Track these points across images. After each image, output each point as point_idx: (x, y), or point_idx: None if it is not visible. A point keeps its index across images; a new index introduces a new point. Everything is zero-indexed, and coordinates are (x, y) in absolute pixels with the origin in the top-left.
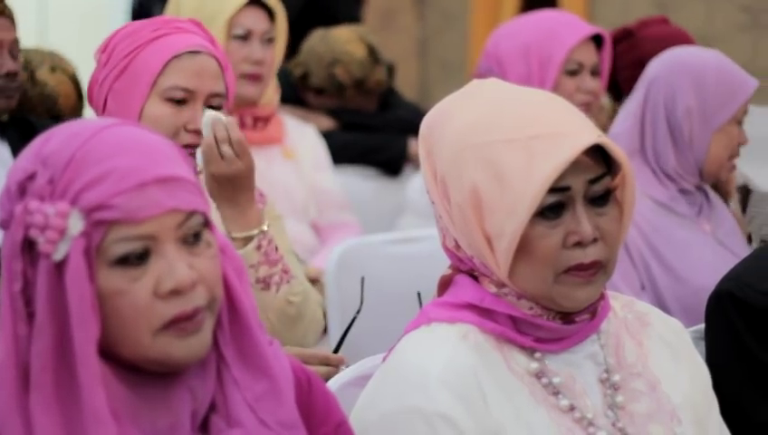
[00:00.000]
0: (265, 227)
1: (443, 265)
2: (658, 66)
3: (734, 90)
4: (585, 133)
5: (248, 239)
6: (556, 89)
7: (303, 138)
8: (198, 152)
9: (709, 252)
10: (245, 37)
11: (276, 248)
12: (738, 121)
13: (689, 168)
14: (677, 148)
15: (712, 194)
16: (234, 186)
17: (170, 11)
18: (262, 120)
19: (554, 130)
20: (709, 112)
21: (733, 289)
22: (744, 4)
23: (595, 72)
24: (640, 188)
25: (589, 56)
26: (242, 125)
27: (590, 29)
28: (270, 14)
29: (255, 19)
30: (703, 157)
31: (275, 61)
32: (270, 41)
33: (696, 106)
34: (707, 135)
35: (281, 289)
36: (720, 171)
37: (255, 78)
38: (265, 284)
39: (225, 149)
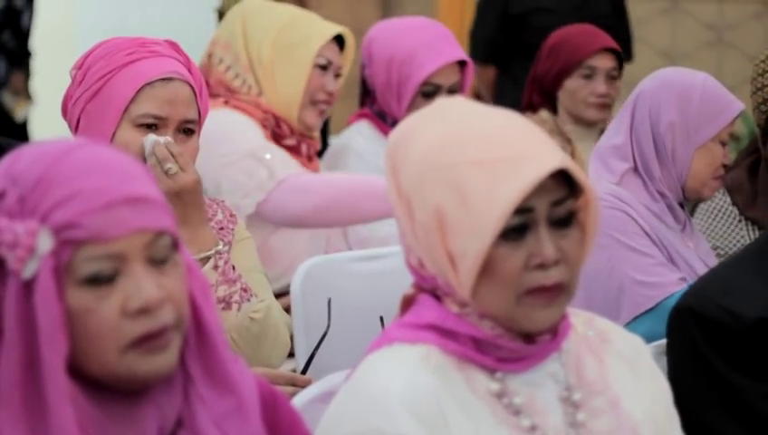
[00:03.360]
0: (221, 247)
1: (408, 282)
2: (647, 82)
3: (719, 109)
4: (549, 157)
5: (204, 260)
6: (411, 108)
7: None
8: None
9: (698, 266)
10: (325, 68)
11: (234, 268)
12: (722, 142)
13: (672, 183)
14: (661, 162)
15: (688, 212)
16: (183, 203)
17: (230, 36)
18: (311, 153)
19: (519, 152)
20: (692, 128)
21: (692, 304)
22: (709, 22)
23: (453, 91)
24: (635, 196)
25: (447, 78)
26: (298, 154)
27: (452, 55)
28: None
29: (334, 52)
30: (685, 172)
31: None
32: (338, 75)
33: (678, 121)
34: (689, 151)
35: (242, 307)
36: (703, 189)
37: (323, 110)
38: (226, 303)
39: (169, 165)
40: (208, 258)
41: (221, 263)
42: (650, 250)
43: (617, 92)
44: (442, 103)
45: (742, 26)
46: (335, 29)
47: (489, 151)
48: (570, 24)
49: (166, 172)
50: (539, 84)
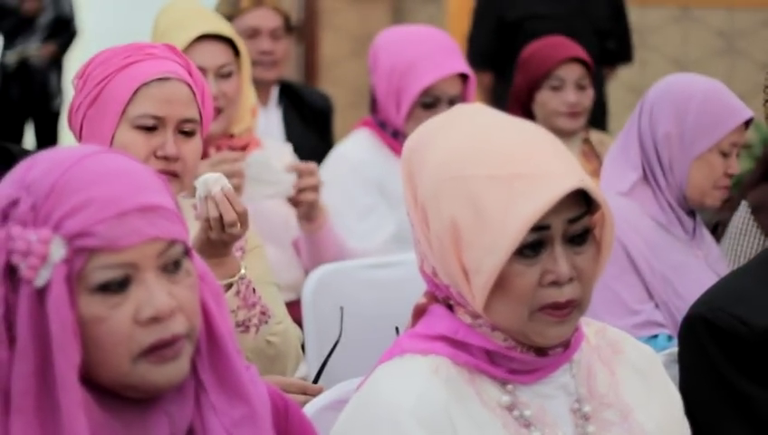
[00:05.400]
0: (243, 272)
1: (420, 290)
2: (652, 89)
3: (717, 121)
4: (568, 175)
5: (228, 286)
6: (410, 118)
7: (282, 157)
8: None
9: (705, 276)
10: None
11: (254, 290)
12: (722, 152)
13: (674, 193)
14: (663, 171)
15: (699, 219)
16: (227, 247)
17: (153, 33)
18: (239, 150)
19: (537, 170)
20: (687, 140)
21: (705, 313)
22: (720, 30)
23: (453, 103)
24: (642, 207)
25: (447, 89)
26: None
27: (452, 67)
28: (231, 45)
29: (208, 55)
30: (684, 183)
31: (241, 90)
32: (228, 74)
33: (674, 132)
34: (687, 162)
35: (260, 330)
36: (704, 199)
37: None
38: (245, 327)
39: (234, 229)
40: (231, 284)
41: (242, 287)
42: (625, 290)
43: (589, 100)
44: (461, 111)
45: (752, 34)
46: (195, 31)
47: (507, 166)
48: (566, 29)
49: (227, 230)
50: (517, 100)
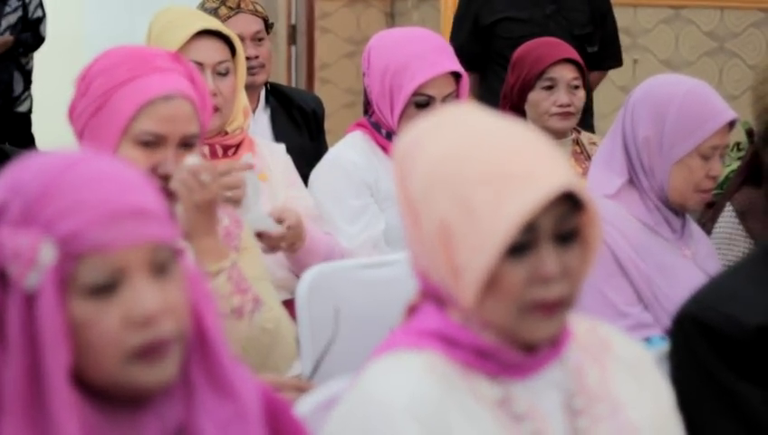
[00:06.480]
0: (235, 257)
1: (413, 290)
2: (636, 92)
3: (696, 125)
4: (556, 175)
5: (219, 271)
6: (404, 118)
7: (273, 156)
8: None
9: (693, 276)
10: None
11: (245, 278)
12: (702, 155)
13: (658, 194)
14: (645, 174)
15: (689, 217)
16: (212, 213)
17: (146, 37)
18: (232, 148)
19: (526, 170)
20: (666, 144)
21: (695, 311)
22: (711, 31)
23: (447, 101)
24: (628, 209)
25: (440, 89)
26: (213, 154)
27: (445, 66)
28: (228, 44)
29: (207, 51)
30: (665, 186)
31: (236, 89)
32: (225, 72)
33: (653, 136)
34: (666, 166)
35: (253, 317)
36: (685, 202)
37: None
38: (239, 313)
39: (204, 176)
40: (223, 269)
41: (234, 273)
42: (614, 292)
43: (581, 102)
44: (451, 111)
45: (743, 35)
46: (194, 28)
47: (496, 167)
48: (541, 32)
49: (201, 183)
50: (508, 99)
